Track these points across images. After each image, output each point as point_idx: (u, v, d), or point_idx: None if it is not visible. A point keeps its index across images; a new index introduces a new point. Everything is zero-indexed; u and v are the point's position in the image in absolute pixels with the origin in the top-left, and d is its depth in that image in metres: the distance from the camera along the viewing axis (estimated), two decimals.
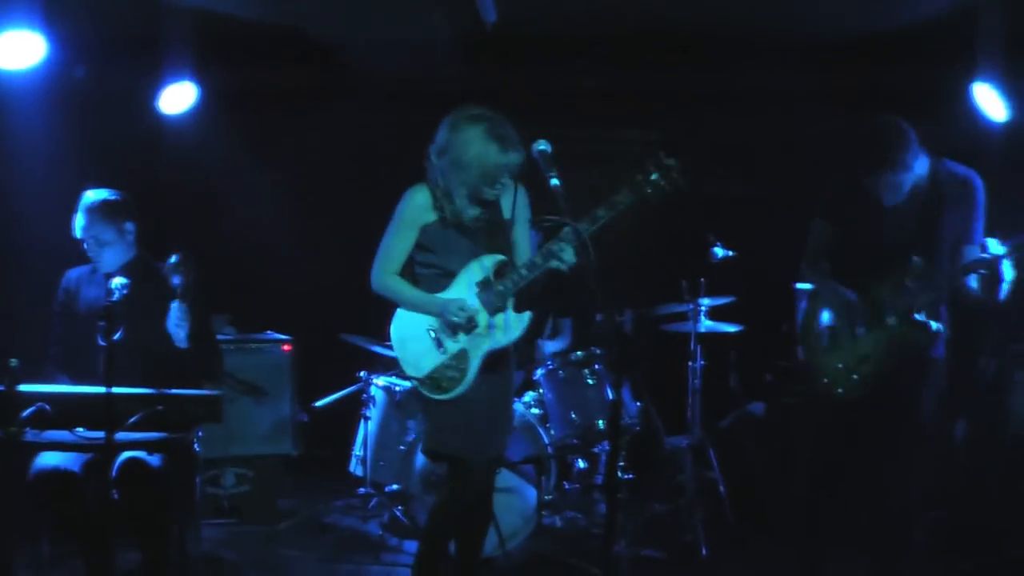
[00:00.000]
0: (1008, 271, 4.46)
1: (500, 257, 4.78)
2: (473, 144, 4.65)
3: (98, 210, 5.13)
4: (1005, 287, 4.47)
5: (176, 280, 4.82)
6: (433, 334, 4.77)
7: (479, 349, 4.72)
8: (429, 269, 4.84)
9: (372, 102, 7.94)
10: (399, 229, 4.83)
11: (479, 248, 4.79)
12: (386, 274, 4.83)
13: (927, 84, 6.39)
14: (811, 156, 6.78)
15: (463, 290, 4.75)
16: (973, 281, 4.62)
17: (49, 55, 5.53)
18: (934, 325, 4.64)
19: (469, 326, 4.71)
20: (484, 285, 4.74)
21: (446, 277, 4.80)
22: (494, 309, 4.73)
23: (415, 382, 4.84)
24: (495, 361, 4.77)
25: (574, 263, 4.56)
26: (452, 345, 4.74)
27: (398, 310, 4.86)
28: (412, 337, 4.82)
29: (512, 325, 4.75)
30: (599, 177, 8.15)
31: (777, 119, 7.66)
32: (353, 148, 8.27)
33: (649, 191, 4.52)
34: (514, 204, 4.89)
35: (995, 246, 4.46)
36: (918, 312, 4.63)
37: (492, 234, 4.83)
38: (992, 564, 5.87)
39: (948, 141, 4.91)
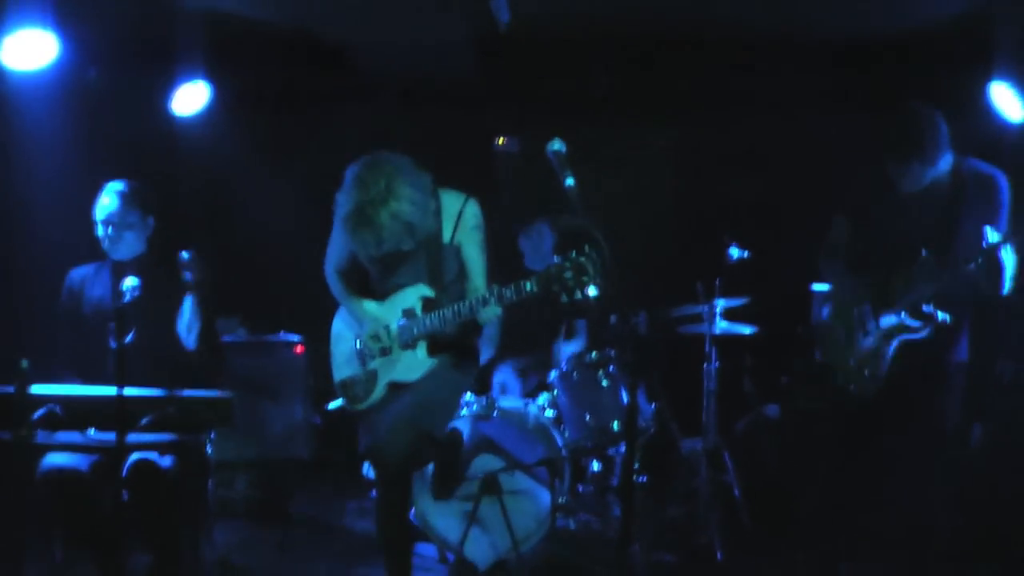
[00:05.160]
0: (1008, 258, 4.42)
1: (429, 293, 4.72)
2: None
3: (131, 194, 5.16)
4: (1007, 276, 4.43)
5: (188, 276, 4.82)
6: (359, 344, 4.79)
7: (386, 376, 4.73)
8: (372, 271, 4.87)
9: (384, 104, 7.92)
10: (337, 233, 4.84)
11: (412, 269, 4.75)
12: (330, 269, 4.91)
13: (944, 84, 6.35)
14: (827, 158, 6.74)
15: (393, 311, 4.74)
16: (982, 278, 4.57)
17: (61, 55, 5.51)
18: (940, 315, 4.59)
19: (382, 354, 4.73)
20: (408, 315, 4.70)
21: (387, 284, 4.81)
22: (404, 345, 4.70)
23: (335, 383, 4.93)
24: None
25: (495, 318, 4.54)
26: (370, 363, 4.77)
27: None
28: (344, 338, 4.89)
29: (414, 367, 4.70)
30: (615, 180, 8.19)
31: (793, 120, 7.62)
32: (365, 149, 8.22)
33: (555, 288, 4.33)
34: (457, 224, 4.76)
35: (992, 234, 4.42)
36: (926, 304, 4.60)
37: (426, 257, 4.74)
38: (1010, 570, 5.82)
39: (965, 141, 4.88)
